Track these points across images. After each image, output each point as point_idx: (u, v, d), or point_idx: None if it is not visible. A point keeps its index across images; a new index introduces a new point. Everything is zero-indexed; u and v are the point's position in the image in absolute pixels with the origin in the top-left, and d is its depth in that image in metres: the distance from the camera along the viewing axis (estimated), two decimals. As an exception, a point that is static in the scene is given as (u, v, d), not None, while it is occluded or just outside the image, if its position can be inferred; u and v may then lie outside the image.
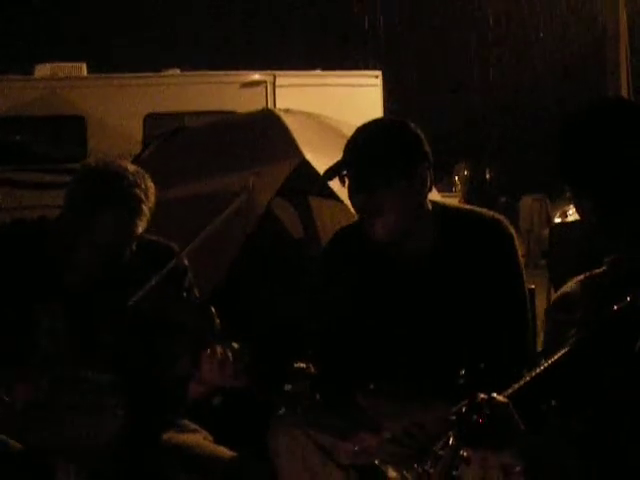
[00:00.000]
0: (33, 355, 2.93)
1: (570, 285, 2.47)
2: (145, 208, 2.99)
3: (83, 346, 2.97)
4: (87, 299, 3.02)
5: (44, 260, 3.04)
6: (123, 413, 2.91)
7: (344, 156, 3.00)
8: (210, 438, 3.16)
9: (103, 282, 3.03)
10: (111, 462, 2.92)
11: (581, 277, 2.47)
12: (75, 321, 2.98)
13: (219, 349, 2.81)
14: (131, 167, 3.05)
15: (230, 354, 2.81)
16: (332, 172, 3.01)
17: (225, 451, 3.09)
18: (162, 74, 12.90)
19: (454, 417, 2.06)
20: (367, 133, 3.01)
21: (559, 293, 2.51)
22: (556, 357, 2.13)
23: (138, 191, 2.98)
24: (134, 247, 3.05)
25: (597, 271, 2.45)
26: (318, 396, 3.03)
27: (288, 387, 2.93)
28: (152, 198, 3.02)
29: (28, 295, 2.98)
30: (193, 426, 3.18)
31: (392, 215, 2.93)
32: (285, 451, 2.95)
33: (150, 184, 3.03)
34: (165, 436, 3.10)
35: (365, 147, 2.97)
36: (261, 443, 3.01)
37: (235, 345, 2.84)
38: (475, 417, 2.02)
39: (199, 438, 3.14)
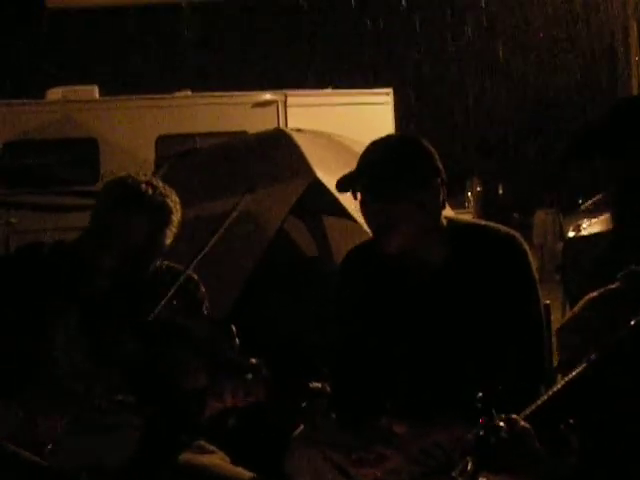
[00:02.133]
0: (47, 371, 2.93)
1: (581, 305, 2.45)
2: (175, 220, 3.06)
3: (99, 362, 2.97)
4: (104, 314, 3.02)
5: (59, 279, 3.05)
6: (139, 433, 2.91)
7: (358, 167, 3.01)
8: (227, 459, 3.15)
9: (121, 297, 3.04)
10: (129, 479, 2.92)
11: (594, 294, 2.45)
12: (91, 336, 2.99)
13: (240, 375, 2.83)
14: (160, 181, 3.12)
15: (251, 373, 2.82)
16: (345, 182, 3.01)
17: (243, 472, 3.09)
18: (173, 95, 12.94)
19: (471, 440, 2.02)
20: (381, 146, 3.02)
21: (569, 316, 2.48)
22: (573, 374, 2.10)
23: (169, 201, 3.05)
24: (158, 264, 3.08)
25: (611, 287, 2.43)
26: (334, 415, 3.02)
27: (304, 404, 2.93)
28: (179, 213, 3.08)
29: (43, 312, 2.99)
30: (211, 447, 3.17)
31: (404, 227, 2.93)
32: (302, 471, 2.94)
33: (177, 199, 3.09)
34: (183, 457, 3.09)
35: (379, 158, 2.97)
36: (277, 463, 3.00)
37: (254, 360, 2.85)
38: (493, 440, 1.99)
39: (217, 459, 3.13)
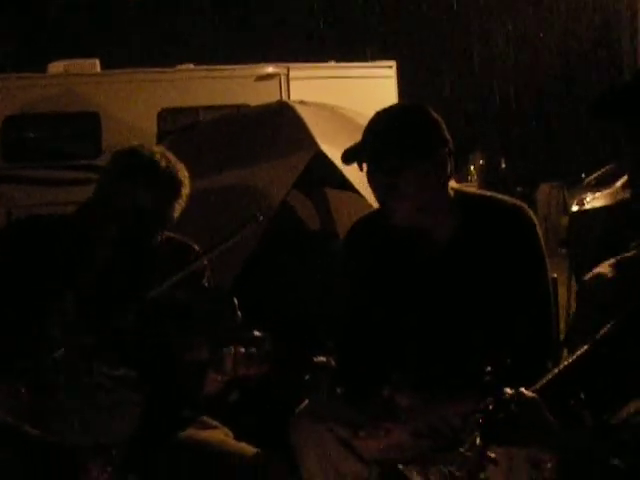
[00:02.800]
0: (46, 348, 2.91)
1: (603, 267, 2.41)
2: (184, 194, 3.03)
3: (97, 337, 2.94)
4: (104, 288, 3.00)
5: (57, 251, 3.02)
6: (139, 409, 2.88)
7: (363, 137, 2.97)
8: (231, 435, 3.14)
9: (122, 270, 3.02)
10: (127, 459, 2.89)
11: (612, 260, 2.41)
12: (90, 310, 2.96)
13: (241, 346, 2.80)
14: (171, 155, 3.08)
15: (254, 345, 2.80)
16: (351, 153, 2.97)
17: (247, 447, 3.06)
18: (176, 69, 12.88)
19: (480, 416, 1.99)
20: (386, 116, 2.98)
21: (592, 274, 2.44)
22: (585, 348, 2.07)
23: (180, 175, 3.02)
24: (159, 239, 3.05)
25: (627, 255, 2.39)
26: (339, 389, 3.00)
27: (308, 378, 2.91)
28: (188, 188, 3.05)
29: (40, 286, 2.95)
30: (214, 423, 3.16)
31: (410, 198, 2.90)
32: (306, 445, 2.93)
33: (187, 174, 3.06)
34: (186, 433, 3.07)
35: (385, 128, 2.93)
36: (281, 439, 2.98)
37: (257, 333, 2.82)
38: (502, 414, 1.96)
39: (220, 434, 3.12)
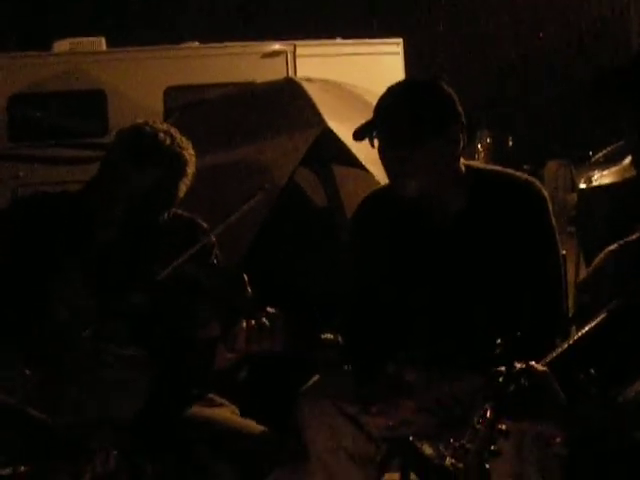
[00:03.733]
0: (51, 326, 2.89)
1: (601, 257, 2.39)
2: (190, 172, 3.00)
3: (105, 315, 2.92)
4: (110, 266, 2.98)
5: (63, 229, 3.00)
6: (147, 388, 2.87)
7: (375, 113, 2.94)
8: (237, 412, 3.13)
9: (128, 248, 3.00)
10: (135, 437, 2.88)
11: (614, 247, 2.40)
12: (97, 288, 2.94)
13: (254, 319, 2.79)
14: (178, 132, 3.05)
15: (266, 320, 2.79)
16: (362, 131, 2.95)
17: (254, 425, 3.05)
18: (181, 46, 12.83)
19: (491, 388, 1.98)
20: (400, 91, 2.95)
21: (592, 268, 2.43)
22: (594, 323, 2.05)
23: (186, 153, 2.99)
24: (165, 216, 3.04)
25: (631, 238, 2.38)
26: (347, 366, 2.99)
27: (315, 356, 2.90)
28: (194, 166, 3.02)
29: (46, 263, 2.94)
30: (220, 400, 3.15)
31: (421, 174, 2.87)
32: (313, 423, 2.91)
33: (193, 152, 3.03)
34: (193, 410, 3.06)
35: (398, 103, 2.91)
36: (288, 417, 2.97)
37: (270, 309, 2.81)
38: (513, 387, 1.95)
39: (227, 412, 3.10)
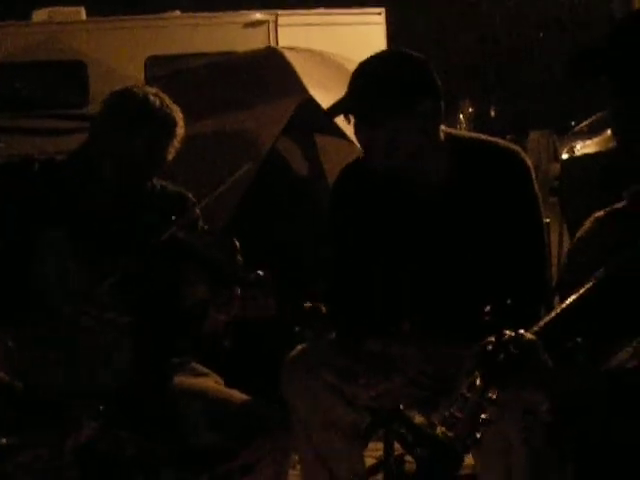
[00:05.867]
0: (38, 292, 2.87)
1: (588, 224, 2.38)
2: (179, 134, 2.99)
3: (92, 282, 2.90)
4: (99, 233, 2.96)
5: (51, 195, 2.97)
6: (129, 354, 2.86)
7: (347, 89, 2.91)
8: (221, 382, 3.12)
9: (117, 215, 2.99)
10: (121, 404, 2.87)
11: (601, 213, 2.38)
12: (84, 254, 2.92)
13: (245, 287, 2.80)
14: (166, 96, 3.04)
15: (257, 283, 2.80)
16: (335, 108, 2.92)
17: (238, 394, 3.05)
18: (162, 16, 12.76)
19: (480, 357, 1.97)
20: (369, 66, 2.91)
21: (578, 235, 2.42)
22: (582, 291, 2.04)
23: (175, 114, 2.98)
24: (156, 183, 3.04)
25: (617, 205, 2.37)
26: (331, 336, 2.97)
27: (299, 325, 2.90)
28: (183, 129, 3.01)
29: (33, 230, 2.91)
30: (205, 370, 3.14)
31: (396, 147, 2.84)
32: (298, 393, 2.90)
33: (182, 115, 3.02)
34: (177, 379, 3.05)
35: (367, 80, 2.87)
36: (273, 386, 2.96)
37: (260, 272, 2.80)
38: (503, 355, 1.94)
39: (211, 381, 3.10)
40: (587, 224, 2.39)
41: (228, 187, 3.02)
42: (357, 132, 2.90)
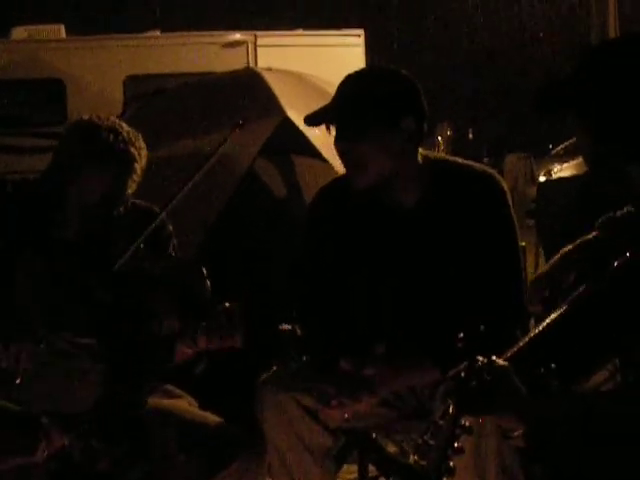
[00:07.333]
0: (14, 317, 2.85)
1: (556, 259, 2.39)
2: (138, 168, 2.95)
3: (65, 307, 2.88)
4: (71, 259, 2.94)
5: (26, 219, 2.95)
6: (103, 378, 2.84)
7: (332, 100, 2.92)
8: (195, 404, 3.11)
9: (87, 242, 2.97)
10: (94, 427, 2.85)
11: (569, 247, 2.38)
12: (58, 281, 2.90)
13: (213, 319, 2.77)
14: (125, 125, 3.00)
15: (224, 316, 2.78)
16: (316, 116, 2.92)
17: (211, 417, 3.03)
18: (142, 35, 12.77)
19: (452, 384, 1.96)
20: (354, 81, 2.91)
21: (544, 270, 2.42)
22: (554, 316, 2.04)
23: (133, 150, 2.94)
24: (122, 209, 3.01)
25: (586, 237, 2.37)
26: (304, 358, 2.96)
27: (273, 347, 2.89)
28: (144, 159, 2.98)
29: (7, 254, 2.89)
30: (178, 391, 3.12)
31: (374, 165, 2.84)
32: (271, 415, 2.89)
33: (143, 145, 2.99)
34: (150, 400, 3.03)
35: (351, 94, 2.88)
36: (246, 409, 2.95)
37: (227, 304, 2.79)
38: (475, 382, 1.92)
39: (184, 403, 3.08)
40: (556, 259, 2.39)
41: (193, 185, 2.99)
42: (336, 146, 2.89)
